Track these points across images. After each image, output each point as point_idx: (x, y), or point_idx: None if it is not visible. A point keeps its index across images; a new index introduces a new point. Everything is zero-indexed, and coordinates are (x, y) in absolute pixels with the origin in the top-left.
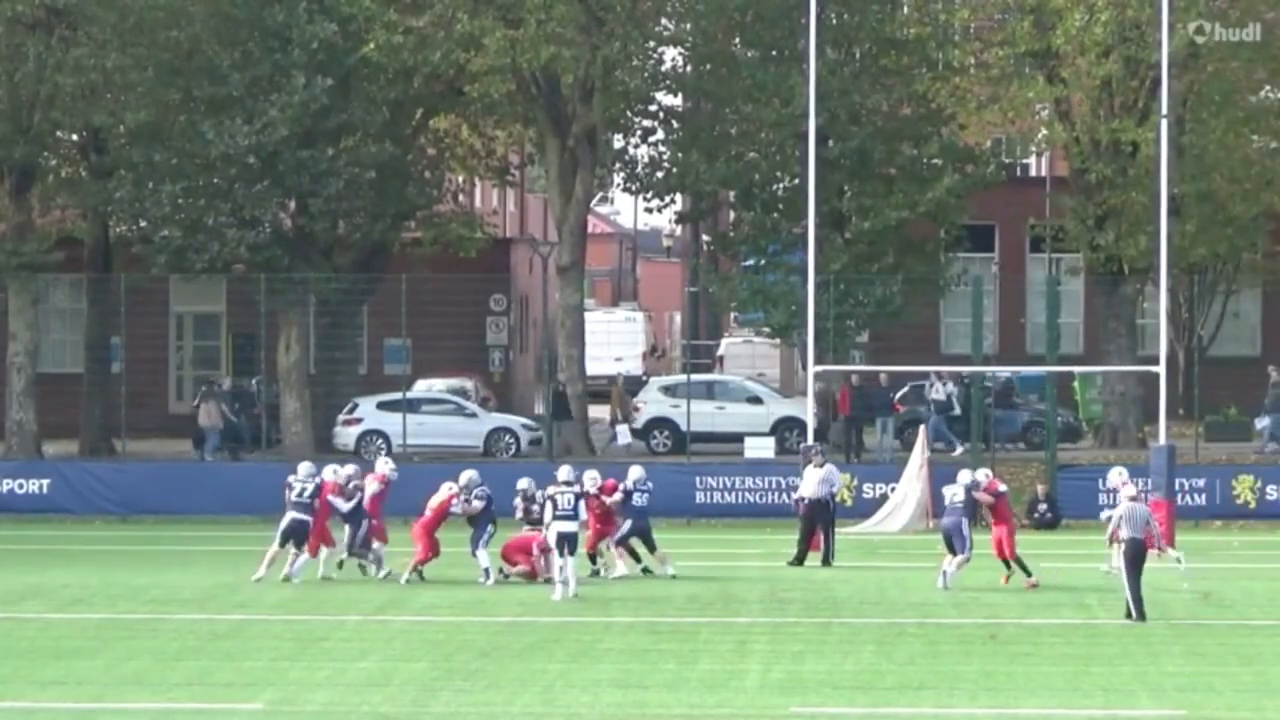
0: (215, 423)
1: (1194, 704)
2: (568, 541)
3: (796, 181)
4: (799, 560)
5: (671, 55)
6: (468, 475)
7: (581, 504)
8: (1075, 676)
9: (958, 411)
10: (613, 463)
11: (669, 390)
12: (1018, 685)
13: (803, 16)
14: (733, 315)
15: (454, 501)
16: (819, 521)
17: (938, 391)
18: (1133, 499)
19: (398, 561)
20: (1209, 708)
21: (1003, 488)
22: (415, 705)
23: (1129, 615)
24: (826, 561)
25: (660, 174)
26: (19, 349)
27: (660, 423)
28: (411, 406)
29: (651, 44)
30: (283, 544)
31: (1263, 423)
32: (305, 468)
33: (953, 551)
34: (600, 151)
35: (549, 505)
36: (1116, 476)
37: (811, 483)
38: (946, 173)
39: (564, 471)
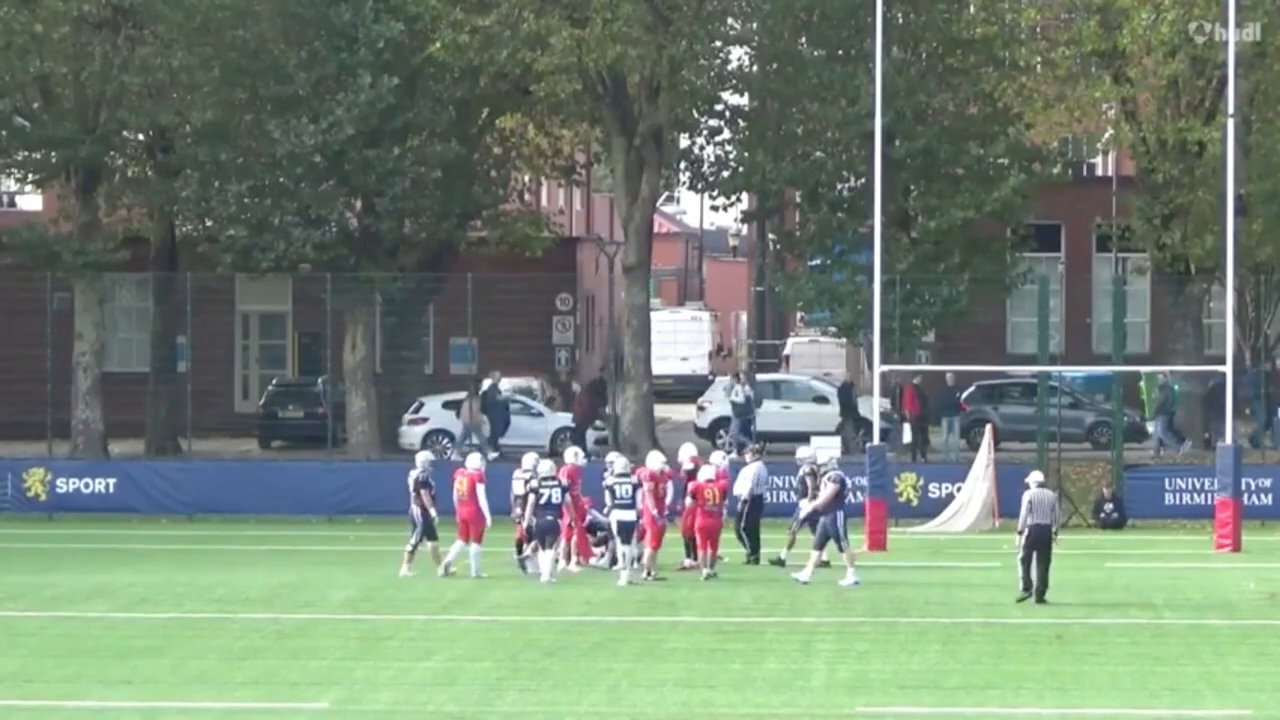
0: (478, 420)
1: (1261, 704)
2: (627, 529)
3: (863, 181)
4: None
5: (738, 55)
6: (621, 461)
7: (639, 493)
8: (1142, 676)
9: (754, 415)
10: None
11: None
12: (1084, 685)
13: (869, 16)
14: (799, 315)
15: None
16: (756, 519)
17: (737, 394)
18: (1040, 485)
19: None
20: (1276, 707)
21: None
22: (481, 704)
23: (1023, 597)
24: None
25: (726, 173)
26: (85, 348)
27: (726, 422)
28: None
29: (718, 43)
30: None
31: None
32: (422, 457)
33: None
34: (666, 151)
35: (607, 495)
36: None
37: (746, 481)
38: (1013, 172)
39: (620, 463)
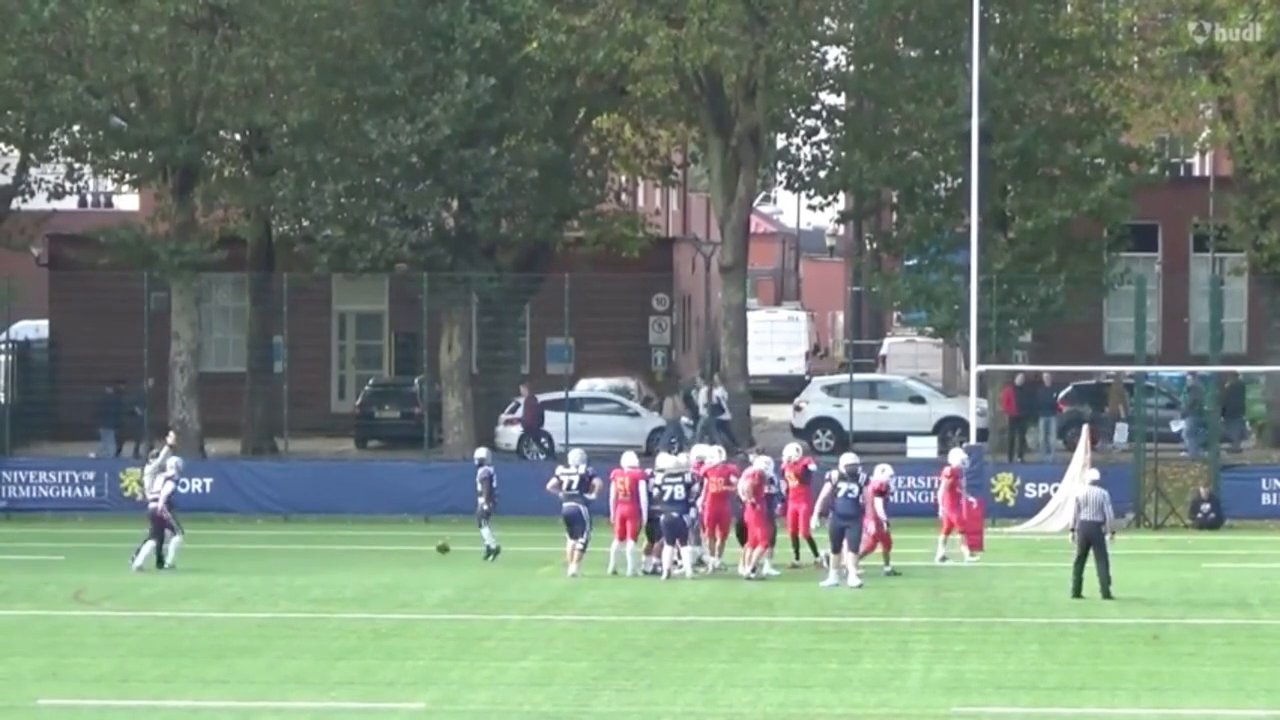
0: (678, 416)
1: None
2: (674, 529)
3: (959, 181)
4: None
5: (834, 54)
6: (670, 461)
7: (689, 493)
8: (1238, 677)
9: (727, 415)
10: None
11: (831, 390)
12: (1181, 685)
13: (965, 16)
14: (895, 315)
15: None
16: None
17: (706, 396)
18: (1094, 483)
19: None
20: None
21: (813, 467)
22: (577, 705)
23: (1074, 598)
24: None
25: (823, 173)
26: (182, 348)
27: (823, 422)
28: (574, 405)
29: (814, 43)
30: (572, 536)
31: None
32: (575, 455)
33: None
34: (763, 151)
35: (654, 492)
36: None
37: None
38: (1110, 172)
39: (668, 462)
